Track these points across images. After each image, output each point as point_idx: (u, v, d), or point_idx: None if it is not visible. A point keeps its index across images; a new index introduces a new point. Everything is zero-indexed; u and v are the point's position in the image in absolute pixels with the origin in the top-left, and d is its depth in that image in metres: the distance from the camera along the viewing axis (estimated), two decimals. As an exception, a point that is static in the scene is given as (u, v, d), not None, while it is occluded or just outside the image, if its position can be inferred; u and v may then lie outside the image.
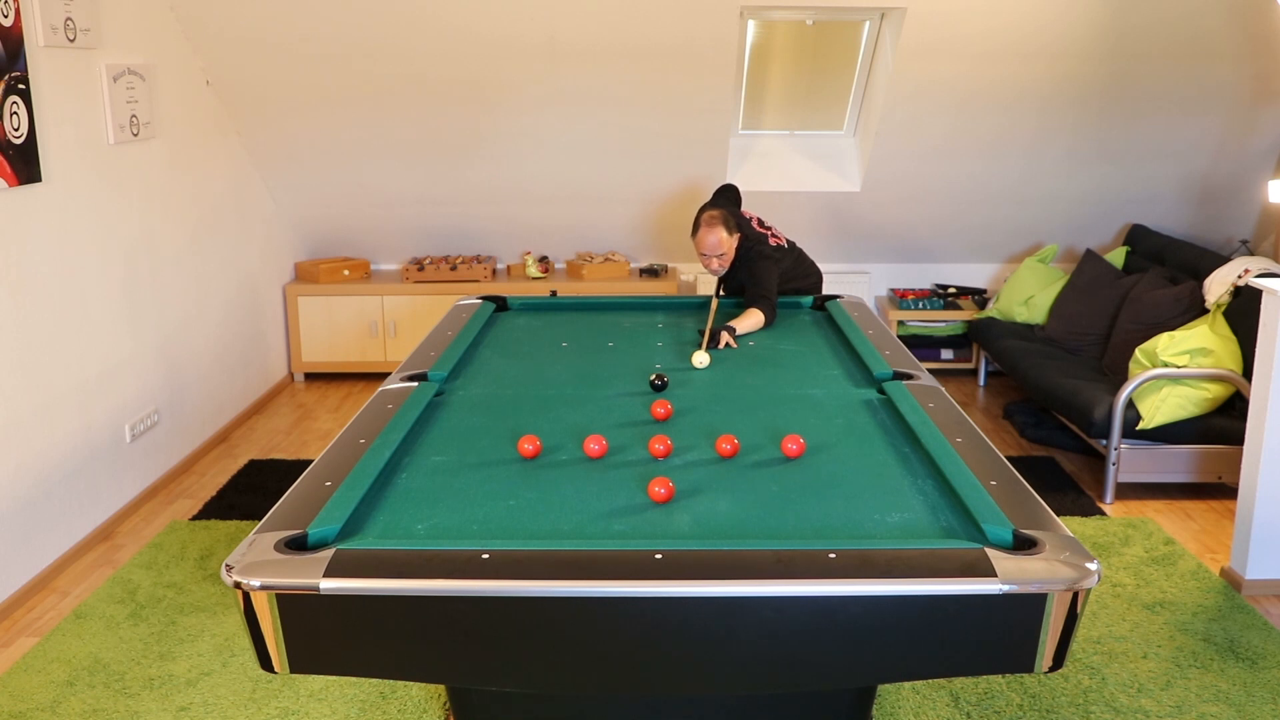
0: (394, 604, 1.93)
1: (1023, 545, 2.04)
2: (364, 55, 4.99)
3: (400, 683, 3.05)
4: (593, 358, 3.49)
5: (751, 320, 3.82)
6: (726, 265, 4.09)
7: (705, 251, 4.05)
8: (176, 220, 4.79)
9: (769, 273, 4.03)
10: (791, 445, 2.56)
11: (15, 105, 3.58)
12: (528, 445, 2.58)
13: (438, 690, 3.04)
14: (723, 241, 4.02)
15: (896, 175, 5.71)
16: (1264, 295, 3.60)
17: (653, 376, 3.11)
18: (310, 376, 6.29)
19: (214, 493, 4.58)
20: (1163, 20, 4.81)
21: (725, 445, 2.57)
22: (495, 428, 2.79)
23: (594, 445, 2.57)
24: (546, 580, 1.92)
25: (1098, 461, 4.78)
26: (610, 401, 3.01)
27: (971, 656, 1.99)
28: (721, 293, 4.32)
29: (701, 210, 4.12)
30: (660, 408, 2.85)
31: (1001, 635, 1.95)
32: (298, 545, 2.05)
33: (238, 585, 1.92)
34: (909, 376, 3.15)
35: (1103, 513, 4.31)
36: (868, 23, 5.22)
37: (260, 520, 2.19)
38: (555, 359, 3.49)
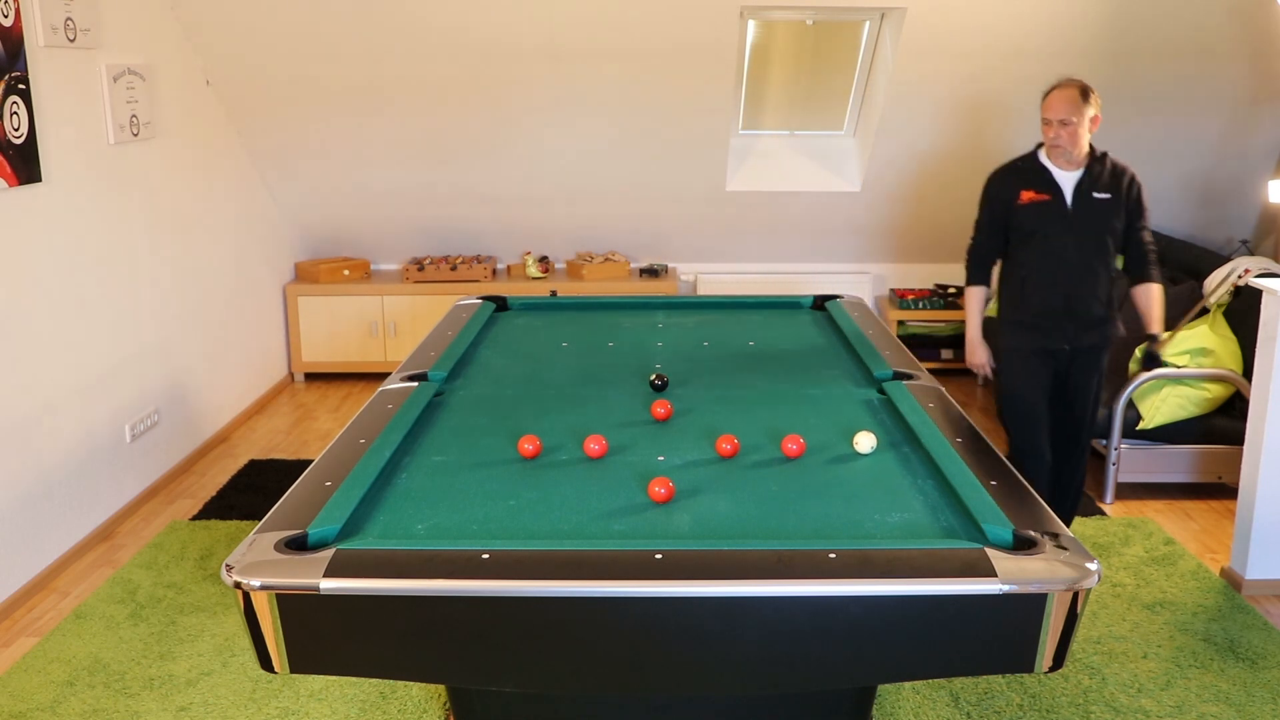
0: (394, 604, 1.93)
1: (1023, 545, 2.04)
2: (364, 56, 4.99)
3: (400, 683, 3.05)
4: (593, 358, 3.49)
5: (1161, 305, 3.59)
6: (1072, 143, 3.42)
7: (1049, 116, 3.42)
8: (177, 220, 4.79)
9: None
10: (791, 445, 2.56)
11: (15, 105, 3.58)
12: (528, 445, 2.58)
13: (438, 690, 3.04)
14: (1076, 107, 3.38)
15: (896, 175, 5.71)
16: (1264, 295, 3.60)
17: (653, 376, 3.11)
18: (310, 376, 6.29)
19: (214, 493, 4.58)
20: (1163, 20, 4.81)
21: (725, 445, 2.57)
22: (495, 428, 2.79)
23: (594, 445, 2.57)
24: (546, 580, 1.92)
25: (1098, 461, 4.78)
26: (610, 401, 3.01)
27: (971, 656, 1.99)
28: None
29: None
30: (660, 408, 2.85)
31: (1001, 635, 1.95)
32: (298, 545, 2.05)
33: (238, 585, 1.92)
34: (909, 376, 3.15)
35: (1103, 513, 4.31)
36: (868, 23, 5.22)
37: (260, 520, 2.19)
38: (555, 359, 3.49)
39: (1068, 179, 3.50)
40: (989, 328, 3.82)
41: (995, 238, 3.67)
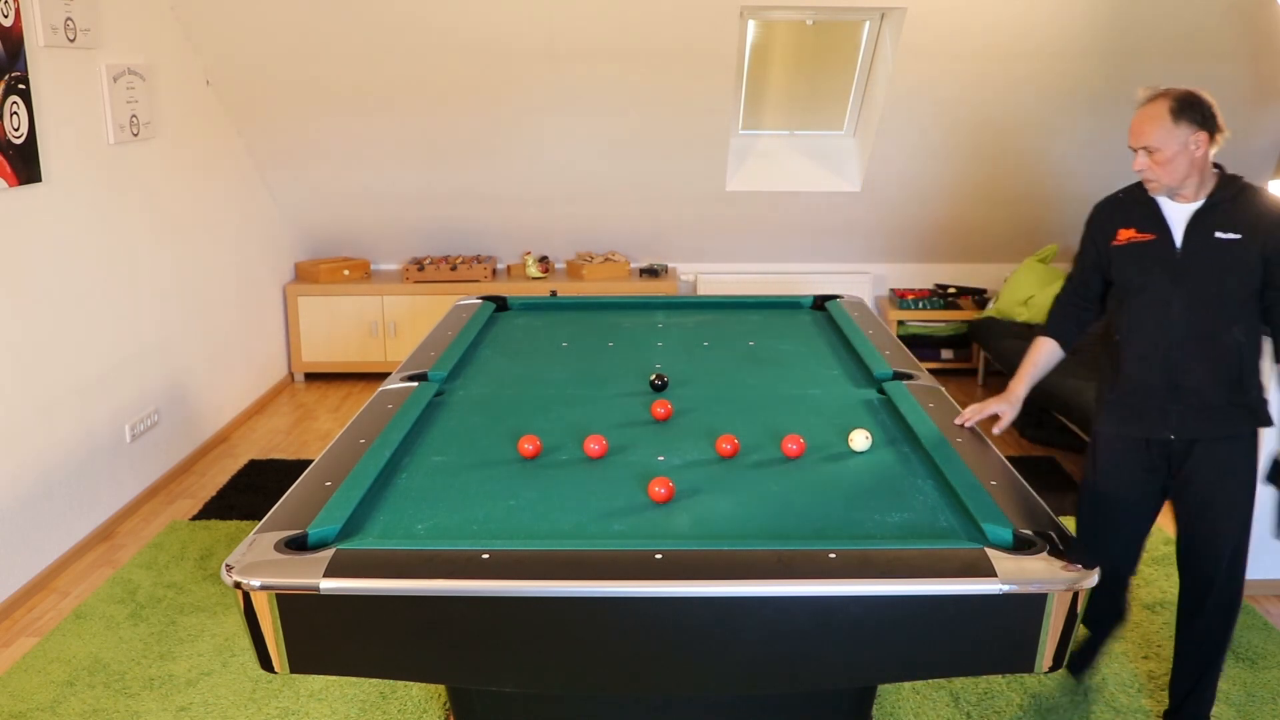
0: (394, 604, 1.93)
1: (1023, 545, 2.04)
2: (364, 56, 4.99)
3: (400, 683, 3.05)
4: (593, 358, 3.49)
5: None
6: (1166, 175, 2.57)
7: (1130, 142, 2.61)
8: (177, 220, 4.79)
9: None
10: (791, 445, 2.56)
11: (15, 105, 3.58)
12: (528, 445, 2.58)
13: (438, 690, 3.04)
14: (1164, 128, 2.52)
15: (896, 175, 5.71)
16: (1264, 295, 3.59)
17: (653, 376, 3.11)
18: (310, 376, 6.29)
19: (214, 493, 4.58)
20: (1163, 20, 4.81)
21: (725, 445, 2.57)
22: (495, 428, 2.79)
23: (594, 445, 2.57)
24: (546, 580, 1.93)
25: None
26: (610, 401, 3.00)
27: (971, 656, 1.99)
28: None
29: None
30: (660, 408, 2.85)
31: (1001, 635, 1.95)
32: (298, 545, 2.05)
33: (238, 585, 1.92)
34: (909, 376, 3.15)
35: (1103, 513, 4.30)
36: (868, 23, 5.22)
37: (260, 520, 2.19)
38: (555, 359, 3.49)
39: (1180, 213, 2.63)
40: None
41: (1086, 286, 2.87)
